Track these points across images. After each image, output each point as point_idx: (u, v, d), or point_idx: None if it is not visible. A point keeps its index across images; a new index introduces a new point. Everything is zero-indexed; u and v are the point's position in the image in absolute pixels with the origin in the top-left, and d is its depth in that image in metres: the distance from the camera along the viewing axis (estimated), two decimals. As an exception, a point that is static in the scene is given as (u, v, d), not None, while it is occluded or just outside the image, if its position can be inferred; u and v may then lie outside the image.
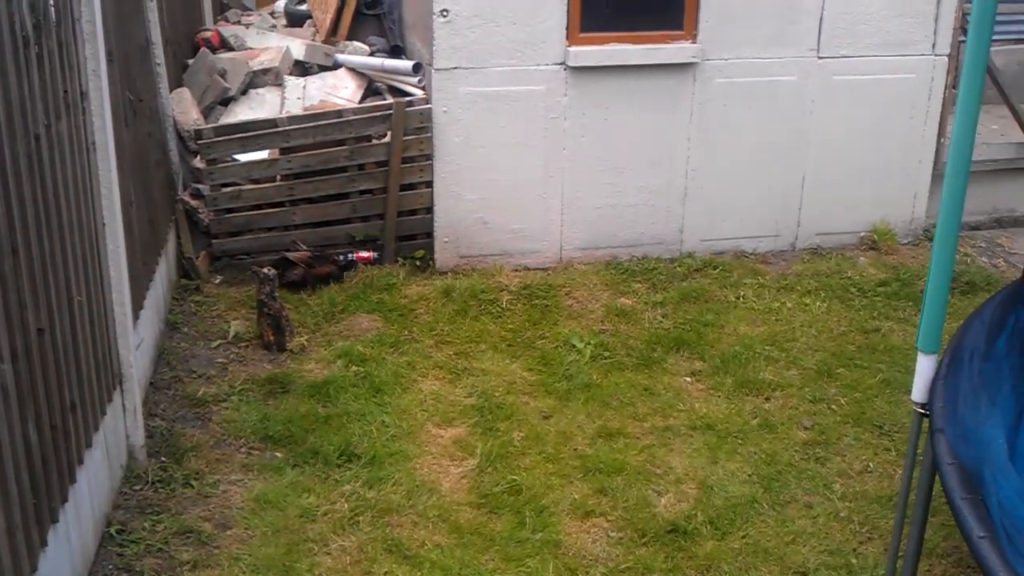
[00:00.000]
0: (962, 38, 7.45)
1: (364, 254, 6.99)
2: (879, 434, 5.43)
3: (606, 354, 6.12)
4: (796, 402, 5.70)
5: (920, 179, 7.77)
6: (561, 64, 6.93)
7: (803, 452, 5.26)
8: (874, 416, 5.57)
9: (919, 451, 3.84)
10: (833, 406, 5.67)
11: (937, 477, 3.65)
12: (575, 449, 5.25)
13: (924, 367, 3.70)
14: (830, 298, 6.90)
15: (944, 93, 7.58)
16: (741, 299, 6.85)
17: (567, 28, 6.89)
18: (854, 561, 4.48)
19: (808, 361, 6.11)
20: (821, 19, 7.22)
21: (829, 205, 7.64)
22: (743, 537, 4.62)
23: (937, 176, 7.74)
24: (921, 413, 3.75)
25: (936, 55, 7.48)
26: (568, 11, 6.85)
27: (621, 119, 7.12)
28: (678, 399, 5.71)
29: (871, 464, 5.18)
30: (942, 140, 7.66)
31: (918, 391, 3.74)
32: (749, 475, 5.06)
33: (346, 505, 4.72)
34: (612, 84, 7.04)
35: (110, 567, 4.22)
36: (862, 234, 7.76)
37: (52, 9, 3.91)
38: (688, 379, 5.94)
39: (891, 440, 5.37)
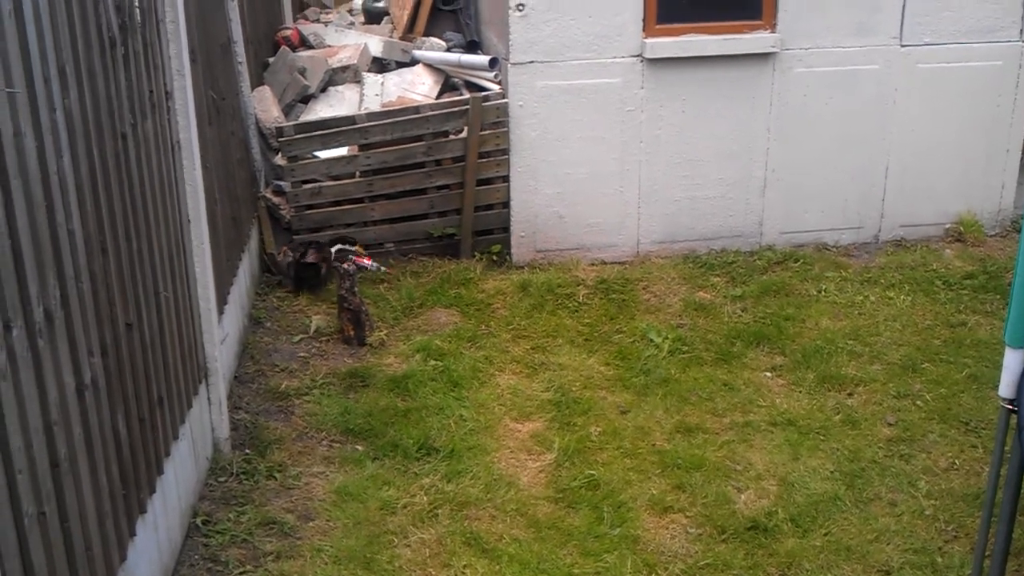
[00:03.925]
0: (1052, 23, 7.24)
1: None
2: (965, 430, 5.31)
3: (684, 348, 6.08)
4: (880, 398, 5.61)
5: (1008, 169, 7.57)
6: (637, 56, 6.89)
7: (887, 449, 5.17)
8: (960, 412, 5.45)
9: (1007, 448, 3.75)
10: (918, 402, 5.56)
11: (1026, 474, 3.57)
12: (653, 444, 5.22)
13: (1012, 362, 3.61)
14: (915, 291, 6.76)
15: (1033, 80, 7.39)
16: (823, 293, 6.75)
17: (643, 20, 6.85)
18: (939, 560, 4.39)
19: (892, 356, 6.00)
20: (904, 6, 7.08)
21: (913, 196, 7.49)
22: (825, 535, 4.56)
23: (1026, 165, 7.55)
24: (1008, 409, 3.66)
25: (1024, 41, 7.30)
26: (644, 3, 6.82)
27: (698, 111, 7.06)
28: (758, 394, 5.65)
29: (957, 461, 5.07)
30: (1031, 128, 7.47)
31: (1005, 386, 3.65)
32: (831, 472, 4.99)
33: (425, 498, 4.76)
34: (689, 75, 6.98)
35: (196, 557, 4.32)
36: (947, 226, 7.59)
37: (137, 10, 3.99)
38: (768, 374, 5.87)
39: (978, 437, 5.25)
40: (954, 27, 7.18)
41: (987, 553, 3.90)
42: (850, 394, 5.66)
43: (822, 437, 5.26)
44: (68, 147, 3.12)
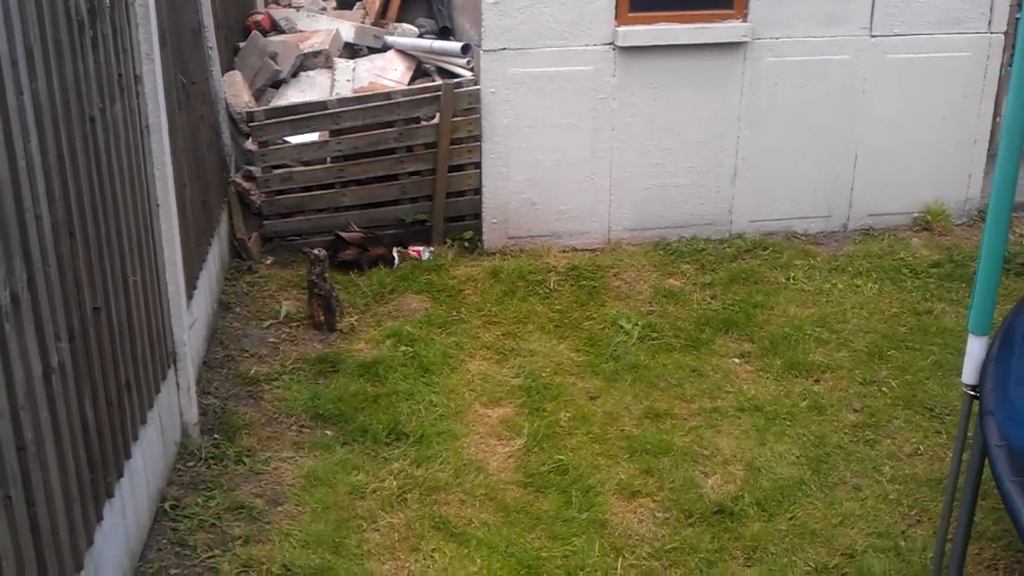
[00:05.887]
0: (1019, 15, 7.32)
1: (416, 248, 7.01)
2: (930, 416, 5.38)
3: (654, 335, 6.12)
4: (846, 384, 5.67)
5: (975, 159, 7.65)
6: (610, 44, 6.91)
7: (852, 434, 5.23)
8: (925, 398, 5.52)
9: (969, 433, 3.81)
10: (883, 388, 5.63)
11: (987, 460, 3.62)
12: (622, 430, 5.26)
13: (975, 349, 3.66)
14: (882, 279, 6.83)
15: (1000, 72, 7.46)
16: (791, 280, 6.80)
17: (616, 8, 6.86)
18: (903, 544, 4.45)
19: (859, 343, 6.06)
20: (874, -3, 7.14)
21: (882, 186, 7.55)
22: (790, 519, 4.61)
23: (992, 156, 7.55)
24: (971, 395, 3.72)
25: (992, 33, 7.35)
26: (617, -9, 6.84)
27: (670, 99, 7.09)
28: (726, 380, 5.70)
29: (921, 447, 5.14)
30: (997, 119, 7.55)
31: (968, 373, 3.70)
32: (797, 457, 5.04)
33: (394, 483, 4.77)
34: (661, 64, 7.00)
35: (164, 541, 4.32)
36: (915, 215, 7.66)
37: (106, -6, 3.97)
38: (737, 360, 5.92)
39: (942, 423, 5.32)
40: (923, 18, 7.24)
41: (949, 537, 3.96)
42: (817, 380, 5.71)
43: (788, 423, 5.32)
44: (36, 130, 3.11)
